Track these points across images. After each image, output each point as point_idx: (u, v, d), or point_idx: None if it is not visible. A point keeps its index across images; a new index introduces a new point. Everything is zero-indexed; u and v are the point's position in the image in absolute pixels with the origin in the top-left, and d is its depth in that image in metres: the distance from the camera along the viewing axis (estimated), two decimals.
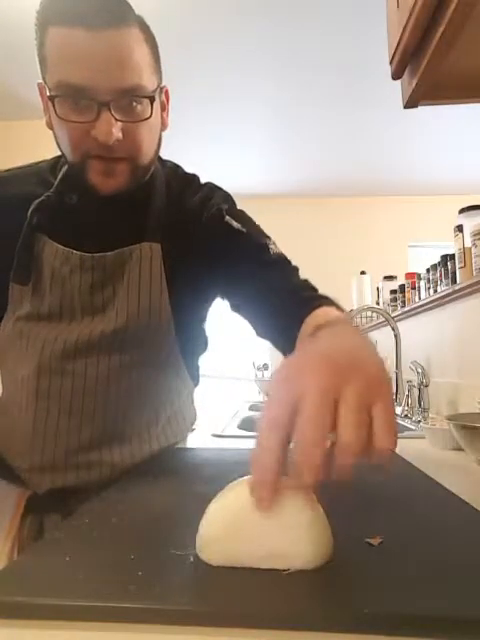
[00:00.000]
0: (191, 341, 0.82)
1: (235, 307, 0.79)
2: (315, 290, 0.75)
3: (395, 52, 0.70)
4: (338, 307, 0.69)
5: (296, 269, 0.78)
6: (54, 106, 0.61)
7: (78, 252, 0.70)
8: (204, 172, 0.86)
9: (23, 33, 2.68)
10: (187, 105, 3.28)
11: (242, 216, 0.79)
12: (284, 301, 0.72)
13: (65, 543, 0.42)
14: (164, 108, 0.72)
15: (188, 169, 0.83)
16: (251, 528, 0.36)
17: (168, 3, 2.46)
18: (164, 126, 0.72)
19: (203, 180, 0.82)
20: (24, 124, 3.47)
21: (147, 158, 0.67)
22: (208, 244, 0.75)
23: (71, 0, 0.59)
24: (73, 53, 0.58)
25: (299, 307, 0.68)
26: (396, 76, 0.75)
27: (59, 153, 0.71)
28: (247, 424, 1.49)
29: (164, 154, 0.78)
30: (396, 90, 0.78)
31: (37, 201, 0.70)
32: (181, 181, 0.79)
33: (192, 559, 0.38)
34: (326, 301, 0.70)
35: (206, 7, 2.48)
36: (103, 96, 0.59)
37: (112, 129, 0.60)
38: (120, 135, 0.61)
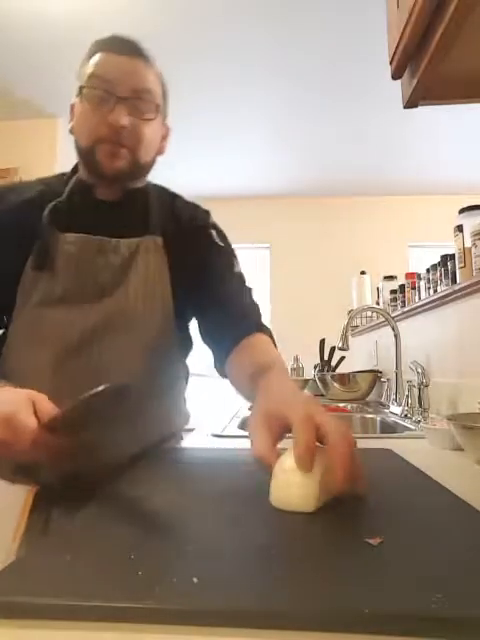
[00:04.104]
0: (181, 338, 0.90)
1: (194, 309, 0.90)
2: (259, 316, 0.88)
3: (395, 52, 0.70)
4: (272, 339, 0.85)
5: (250, 290, 0.91)
6: (82, 97, 0.78)
7: (97, 237, 0.80)
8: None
9: (21, 34, 2.68)
10: (186, 102, 3.28)
11: (221, 232, 0.94)
12: (232, 316, 0.85)
13: (65, 543, 0.42)
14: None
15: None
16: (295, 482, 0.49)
17: (166, 12, 2.46)
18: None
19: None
20: (20, 124, 3.48)
21: (145, 156, 0.82)
22: (192, 249, 0.88)
23: (119, 40, 0.80)
24: (110, 61, 0.78)
25: (240, 328, 0.83)
26: (396, 76, 0.75)
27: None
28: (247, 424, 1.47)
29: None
30: (396, 90, 0.78)
31: (51, 205, 0.80)
32: (170, 195, 0.95)
33: (192, 555, 0.38)
34: (265, 329, 0.85)
35: (204, 14, 2.48)
36: (121, 92, 0.77)
37: (123, 117, 0.76)
38: (127, 123, 0.77)
